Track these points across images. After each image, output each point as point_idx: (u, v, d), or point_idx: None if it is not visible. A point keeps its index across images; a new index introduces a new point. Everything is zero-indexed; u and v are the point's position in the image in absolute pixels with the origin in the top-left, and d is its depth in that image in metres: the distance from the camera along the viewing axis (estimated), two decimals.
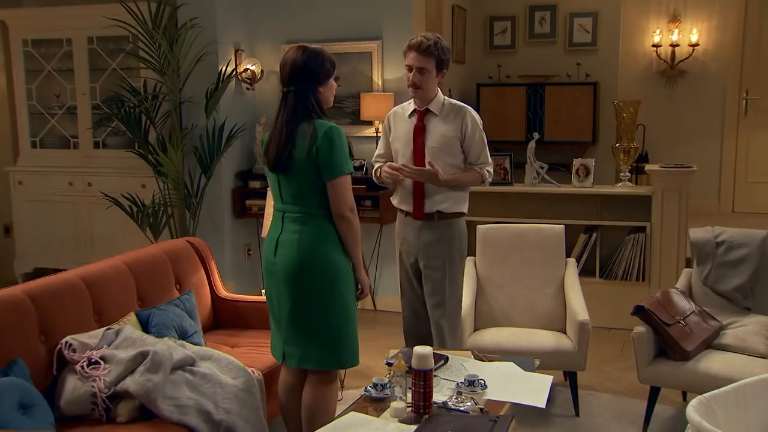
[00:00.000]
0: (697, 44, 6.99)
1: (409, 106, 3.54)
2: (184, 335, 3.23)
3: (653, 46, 7.13)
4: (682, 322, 3.45)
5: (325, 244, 2.77)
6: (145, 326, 3.15)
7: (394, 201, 3.63)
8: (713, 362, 3.35)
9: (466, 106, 3.49)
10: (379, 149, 3.69)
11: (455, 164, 3.46)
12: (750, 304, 3.67)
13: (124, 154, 5.48)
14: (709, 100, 7.06)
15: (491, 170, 3.57)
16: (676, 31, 7.03)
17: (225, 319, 3.87)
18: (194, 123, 5.29)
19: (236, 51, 5.54)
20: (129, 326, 3.01)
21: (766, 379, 2.35)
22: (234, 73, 5.42)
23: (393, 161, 3.55)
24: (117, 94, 5.30)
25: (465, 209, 3.60)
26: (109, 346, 2.83)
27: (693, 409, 2.10)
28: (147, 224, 5.18)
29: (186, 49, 5.05)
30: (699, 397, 2.22)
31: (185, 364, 2.82)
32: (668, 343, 3.42)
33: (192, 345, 3.09)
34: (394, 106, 5.22)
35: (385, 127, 3.63)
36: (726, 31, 6.96)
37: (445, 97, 3.49)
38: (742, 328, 3.50)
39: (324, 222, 2.78)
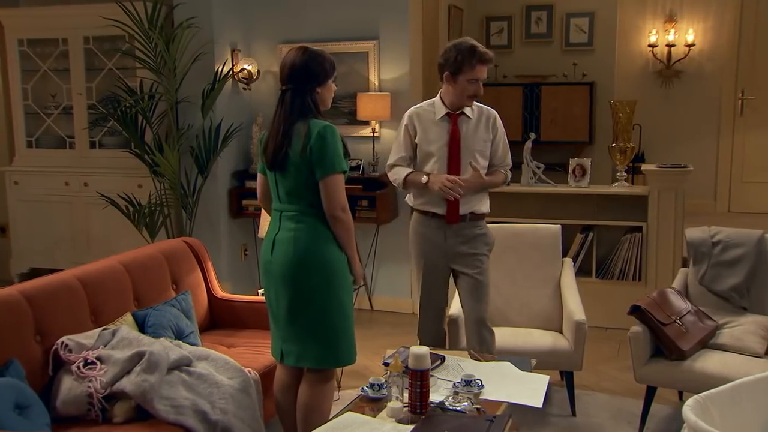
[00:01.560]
0: (693, 44, 7.00)
1: (435, 108, 3.46)
2: (180, 335, 3.22)
3: (649, 46, 7.14)
4: (679, 321, 3.46)
5: (320, 242, 2.78)
6: (142, 326, 3.15)
7: (417, 202, 3.51)
8: (709, 362, 3.36)
9: (488, 107, 3.54)
10: (400, 152, 3.52)
11: (485, 166, 3.49)
12: (746, 304, 3.67)
13: (120, 154, 5.47)
14: (705, 100, 7.08)
15: (510, 171, 3.63)
16: (672, 31, 7.04)
17: (222, 319, 3.87)
18: (190, 123, 5.28)
19: (233, 51, 5.53)
20: (125, 326, 3.00)
21: (762, 378, 2.36)
22: (230, 73, 5.42)
23: (415, 164, 3.48)
24: (113, 93, 5.29)
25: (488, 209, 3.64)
26: (105, 346, 2.83)
27: (689, 408, 2.11)
28: (143, 224, 5.17)
29: (182, 49, 5.04)
30: (695, 396, 2.22)
31: (182, 365, 2.82)
32: (664, 343, 3.43)
33: (188, 345, 3.09)
34: (390, 106, 5.30)
35: (408, 128, 3.48)
36: (722, 31, 6.97)
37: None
38: (739, 328, 3.50)
39: (319, 220, 2.78)
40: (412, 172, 3.47)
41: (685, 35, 7.01)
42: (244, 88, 5.66)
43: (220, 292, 3.93)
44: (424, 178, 3.39)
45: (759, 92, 6.87)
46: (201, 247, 3.95)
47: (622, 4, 7.18)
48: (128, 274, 3.34)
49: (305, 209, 2.78)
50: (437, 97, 3.52)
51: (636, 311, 3.49)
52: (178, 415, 2.62)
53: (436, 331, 3.63)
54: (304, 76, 2.78)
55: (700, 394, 2.23)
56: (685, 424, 2.08)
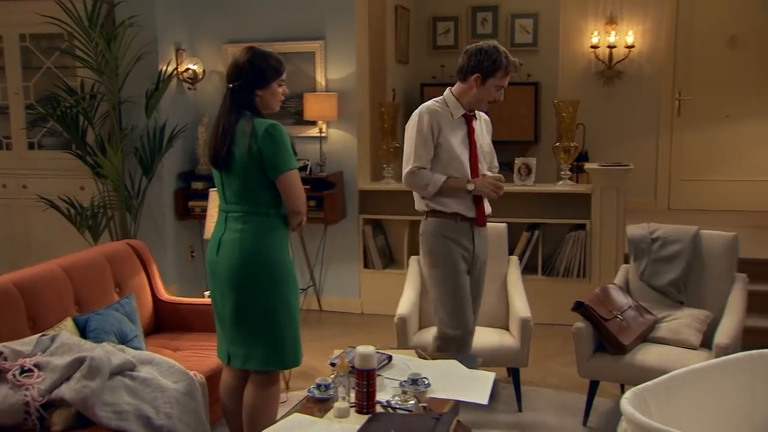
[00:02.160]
0: (632, 46, 7.18)
1: (451, 108, 3.34)
2: (123, 340, 3.17)
3: (591, 47, 7.29)
4: (620, 316, 3.55)
5: (267, 243, 2.76)
6: (83, 331, 3.08)
7: (443, 206, 3.35)
8: (649, 355, 3.46)
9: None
10: (423, 154, 3.30)
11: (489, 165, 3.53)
12: (683, 298, 3.79)
13: (60, 155, 5.33)
14: (645, 100, 7.26)
15: None
16: (613, 32, 7.20)
17: (167, 322, 3.82)
18: (134, 123, 5.19)
19: (177, 50, 5.45)
20: (65, 332, 2.93)
21: (695, 369, 2.44)
22: (175, 72, 5.34)
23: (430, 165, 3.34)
24: (52, 93, 5.16)
25: None
26: (43, 353, 2.76)
27: (627, 401, 2.17)
28: (86, 227, 5.06)
29: (124, 48, 4.94)
30: (633, 389, 2.29)
31: (125, 369, 2.76)
32: (606, 338, 3.51)
33: (132, 349, 3.03)
34: (337, 106, 5.30)
35: (432, 128, 3.29)
36: (659, 33, 7.17)
37: None
38: (676, 321, 3.61)
39: (267, 221, 2.77)
40: (449, 177, 3.31)
41: (625, 37, 7.18)
42: (189, 88, 5.58)
43: (165, 295, 3.87)
44: (471, 186, 3.32)
45: (695, 93, 7.09)
46: (145, 250, 3.89)
47: (564, 5, 7.32)
48: (68, 278, 3.27)
49: (252, 210, 2.76)
50: (448, 97, 3.37)
51: (579, 307, 3.56)
52: (120, 421, 2.57)
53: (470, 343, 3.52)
54: (245, 75, 2.76)
55: (638, 387, 2.30)
56: (623, 416, 2.14)
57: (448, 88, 3.44)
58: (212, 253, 2.83)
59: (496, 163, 3.63)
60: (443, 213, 3.37)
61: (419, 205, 3.46)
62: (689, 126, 7.17)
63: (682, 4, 7.05)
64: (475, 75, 3.29)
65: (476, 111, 3.45)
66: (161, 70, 5.19)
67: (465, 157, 3.35)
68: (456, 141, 3.34)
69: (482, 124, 3.51)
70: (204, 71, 5.56)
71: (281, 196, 2.76)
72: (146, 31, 5.09)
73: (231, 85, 2.79)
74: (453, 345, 3.39)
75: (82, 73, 5.14)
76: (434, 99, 3.42)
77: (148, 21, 5.13)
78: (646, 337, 3.60)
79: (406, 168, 3.34)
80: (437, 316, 3.46)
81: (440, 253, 3.38)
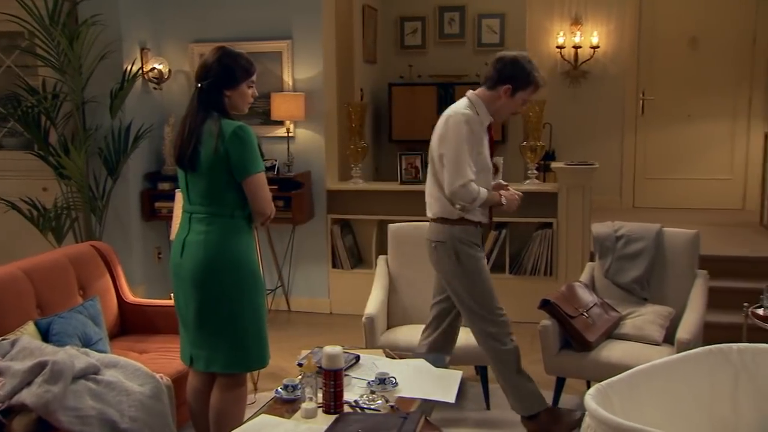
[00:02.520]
0: (597, 46, 7.27)
1: (482, 116, 3.30)
2: (88, 343, 3.12)
3: (557, 47, 7.36)
4: (585, 314, 3.60)
5: (232, 245, 2.74)
6: (45, 335, 3.03)
7: (477, 215, 3.35)
8: (613, 351, 3.51)
9: None
10: (471, 165, 3.22)
11: None
12: (647, 295, 3.85)
13: (22, 156, 5.22)
14: (610, 100, 7.36)
15: None
16: (578, 33, 7.29)
17: (133, 324, 3.78)
18: (99, 124, 5.11)
19: (142, 50, 5.39)
20: (26, 336, 2.88)
21: (657, 364, 2.48)
22: (140, 72, 5.28)
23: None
24: (13, 92, 5.06)
25: None
26: (3, 357, 2.71)
27: (590, 397, 2.19)
28: (49, 229, 4.97)
29: (88, 47, 4.87)
30: (596, 385, 2.32)
31: (88, 373, 2.72)
32: (572, 335, 3.56)
33: (96, 353, 2.99)
34: (305, 105, 5.28)
35: (474, 137, 3.23)
36: (623, 34, 7.28)
37: None
38: (640, 318, 3.67)
39: (232, 222, 2.75)
40: (487, 191, 3.32)
41: (590, 37, 7.27)
42: (155, 88, 5.52)
43: (130, 297, 3.83)
44: (504, 200, 3.41)
45: (658, 93, 7.21)
46: (110, 251, 3.84)
47: (530, 6, 7.38)
48: (30, 281, 3.21)
49: (217, 211, 2.74)
50: (479, 103, 3.30)
51: (545, 305, 3.60)
52: (83, 425, 2.53)
53: None
54: (215, 75, 2.74)
55: (602, 383, 2.33)
56: (587, 412, 2.16)
57: (470, 92, 3.36)
58: (176, 254, 2.80)
59: None
60: (470, 221, 3.35)
61: (445, 212, 3.34)
62: (653, 125, 7.29)
63: (645, 5, 7.17)
64: (506, 86, 3.26)
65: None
66: (126, 69, 5.12)
67: (491, 166, 3.37)
68: (486, 151, 3.33)
69: None
70: (170, 71, 5.50)
71: (247, 198, 2.75)
72: (110, 30, 5.02)
73: (199, 85, 2.76)
74: (509, 338, 3.41)
75: (43, 72, 5.05)
76: (465, 104, 3.30)
77: (112, 20, 5.06)
78: (611, 333, 3.65)
79: (459, 181, 3.19)
80: (474, 323, 3.40)
81: (475, 257, 3.38)
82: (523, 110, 3.41)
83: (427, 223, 4.24)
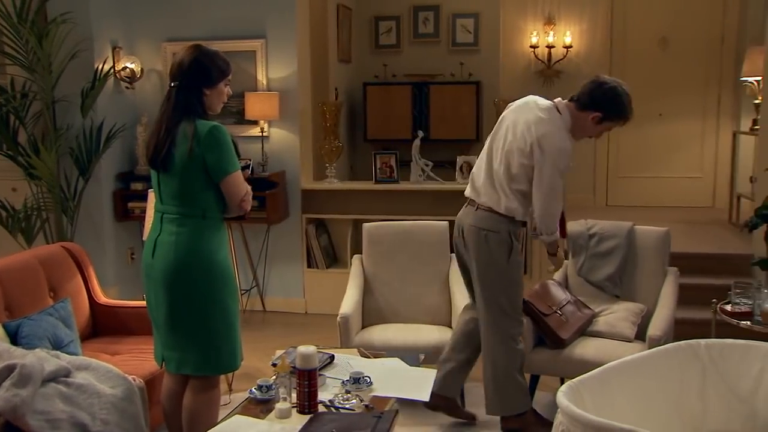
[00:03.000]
0: (570, 46, 7.33)
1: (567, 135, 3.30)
2: (58, 345, 3.08)
3: (531, 47, 7.41)
4: (559, 312, 3.63)
5: (203, 246, 2.72)
6: (14, 338, 2.98)
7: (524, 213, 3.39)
8: (586, 348, 3.55)
9: None
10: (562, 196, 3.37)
11: None
12: (619, 292, 3.89)
13: None
14: None
15: None
16: (552, 33, 7.34)
17: (105, 326, 3.75)
18: (70, 123, 5.05)
19: (114, 48, 5.33)
20: None
21: (627, 361, 2.52)
22: (111, 71, 5.22)
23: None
24: None
25: None
26: None
27: (562, 394, 2.22)
28: (18, 230, 4.90)
29: (57, 46, 4.80)
30: (568, 382, 2.35)
31: (59, 376, 2.69)
32: (546, 333, 3.59)
33: (67, 355, 2.95)
34: (279, 105, 5.27)
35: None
36: (595, 34, 7.35)
37: None
38: (612, 315, 3.72)
39: (203, 223, 2.73)
40: None
41: (564, 37, 7.33)
42: (127, 87, 5.47)
43: (102, 298, 3.80)
44: (557, 253, 3.57)
45: (630, 92, 7.28)
46: (81, 252, 3.80)
47: (504, 5, 7.43)
48: None
49: (188, 212, 2.72)
50: (567, 120, 3.28)
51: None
52: (53, 429, 2.49)
53: None
54: (191, 74, 2.71)
55: (573, 380, 2.36)
56: (559, 409, 2.19)
57: (563, 104, 3.30)
58: (148, 255, 2.78)
59: None
60: (519, 220, 3.35)
61: (508, 209, 3.29)
62: (625, 125, 7.35)
63: (616, 6, 7.25)
64: (597, 113, 3.22)
65: None
66: (97, 68, 5.06)
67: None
68: None
69: None
70: (142, 70, 5.45)
71: (225, 197, 2.73)
72: (80, 28, 4.96)
73: (174, 84, 2.73)
74: (521, 338, 3.42)
75: (12, 71, 4.97)
76: (557, 116, 3.25)
77: (83, 18, 5.00)
78: (585, 331, 3.69)
79: (560, 204, 3.28)
80: (499, 323, 3.35)
81: (518, 255, 3.38)
82: (598, 137, 3.38)
83: (399, 222, 4.27)
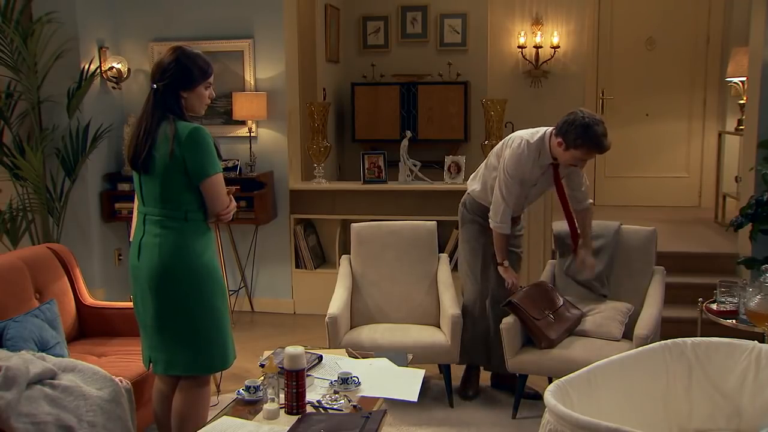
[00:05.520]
0: (558, 46, 7.36)
1: (542, 156, 3.59)
2: (44, 347, 3.06)
3: (519, 47, 7.44)
4: (551, 316, 3.63)
5: (188, 248, 2.70)
6: None
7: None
8: (574, 348, 3.56)
9: None
10: (515, 199, 3.71)
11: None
12: (606, 291, 3.91)
13: None
14: (571, 100, 7.43)
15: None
16: (539, 33, 7.37)
17: (92, 327, 3.72)
18: (56, 123, 5.02)
19: (100, 48, 5.30)
20: None
21: (614, 360, 2.53)
22: (98, 71, 5.19)
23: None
24: None
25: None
26: None
27: (550, 393, 2.23)
28: (3, 231, 4.86)
29: (43, 45, 4.78)
30: (556, 381, 2.36)
31: (44, 378, 2.67)
32: (535, 334, 3.60)
33: (53, 357, 2.94)
34: (267, 105, 5.25)
35: (524, 176, 3.64)
36: (582, 34, 7.38)
37: None
38: (600, 314, 3.73)
39: (186, 225, 2.71)
40: None
41: (551, 37, 7.36)
42: (114, 88, 5.44)
43: (89, 300, 3.77)
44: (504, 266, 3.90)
45: (617, 93, 7.33)
46: (67, 253, 3.77)
47: (492, 6, 7.45)
48: None
49: (170, 214, 2.70)
50: (546, 141, 3.58)
51: (509, 306, 3.64)
52: None
53: None
54: (171, 75, 2.70)
55: (561, 379, 2.36)
56: (546, 408, 2.20)
57: (548, 130, 3.60)
58: (134, 257, 2.76)
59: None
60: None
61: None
62: (612, 124, 7.25)
63: (603, 7, 7.29)
64: (558, 139, 3.45)
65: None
66: (83, 68, 5.04)
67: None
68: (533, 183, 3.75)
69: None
70: (129, 70, 5.42)
71: (205, 199, 2.72)
72: (66, 28, 4.94)
73: (155, 86, 2.72)
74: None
75: None
76: (538, 137, 3.62)
77: (68, 17, 4.97)
78: (573, 330, 3.70)
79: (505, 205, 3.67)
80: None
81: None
82: (582, 166, 3.55)
83: (388, 222, 4.29)
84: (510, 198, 3.63)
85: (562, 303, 3.74)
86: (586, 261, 3.77)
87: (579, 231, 3.79)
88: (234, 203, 2.82)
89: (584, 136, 3.37)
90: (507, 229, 3.71)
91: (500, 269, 3.79)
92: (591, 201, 3.89)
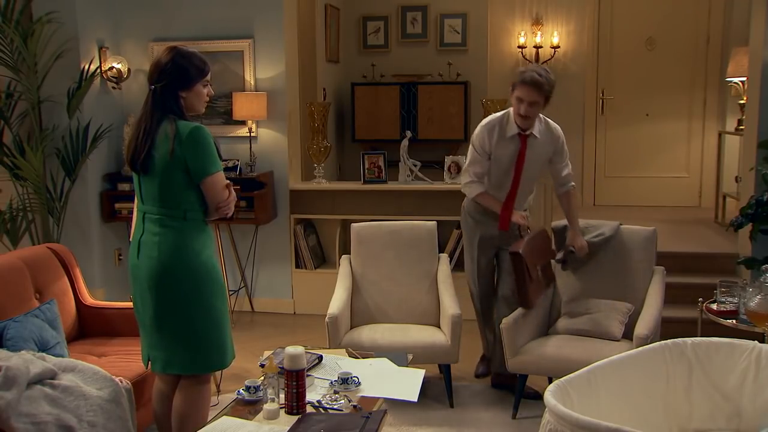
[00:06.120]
0: (558, 46, 7.36)
1: (507, 125, 3.75)
2: (44, 347, 3.06)
3: (518, 47, 7.43)
4: (540, 272, 3.70)
5: (187, 248, 2.71)
6: None
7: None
8: (574, 348, 3.56)
9: (557, 126, 3.90)
10: (476, 168, 3.83)
11: (538, 175, 3.97)
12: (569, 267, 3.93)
13: None
14: (571, 100, 7.45)
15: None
16: (539, 33, 7.37)
17: (92, 327, 3.72)
18: (56, 123, 5.02)
19: (100, 48, 5.30)
20: None
21: (614, 360, 2.53)
22: (98, 71, 5.19)
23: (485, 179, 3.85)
24: None
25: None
26: None
27: (550, 393, 2.23)
28: (4, 231, 4.86)
29: (43, 45, 4.77)
30: (556, 381, 2.36)
31: (44, 378, 2.67)
32: (521, 292, 3.65)
33: (53, 357, 2.94)
34: (267, 105, 5.26)
35: (484, 145, 3.78)
36: (582, 34, 7.38)
37: (542, 119, 3.82)
38: (599, 314, 3.73)
39: (185, 224, 2.71)
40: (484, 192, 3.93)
41: (551, 37, 7.35)
42: (114, 88, 5.44)
43: (89, 300, 3.77)
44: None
45: (617, 93, 7.33)
46: (67, 253, 3.77)
47: (492, 6, 7.45)
48: None
49: (170, 213, 2.70)
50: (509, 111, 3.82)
51: (515, 256, 3.61)
52: None
53: None
54: (168, 76, 2.70)
55: (561, 379, 2.37)
56: (546, 408, 2.20)
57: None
58: (133, 256, 2.77)
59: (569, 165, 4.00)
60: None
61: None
62: (612, 124, 7.41)
63: (603, 6, 7.28)
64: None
65: (538, 129, 3.80)
66: (83, 68, 5.03)
67: (509, 169, 3.83)
68: (502, 157, 3.83)
69: (545, 141, 3.85)
70: (129, 70, 5.42)
71: (206, 198, 2.72)
72: (66, 28, 4.93)
73: (153, 87, 2.72)
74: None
75: None
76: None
77: (69, 17, 4.97)
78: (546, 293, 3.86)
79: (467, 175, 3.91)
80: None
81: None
82: (520, 111, 3.66)
83: (388, 222, 4.30)
84: (472, 166, 3.83)
85: (550, 258, 3.85)
86: (576, 242, 3.81)
87: (566, 216, 3.94)
88: (234, 194, 2.80)
89: (516, 76, 3.67)
90: (471, 193, 3.88)
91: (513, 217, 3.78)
92: (573, 184, 3.97)
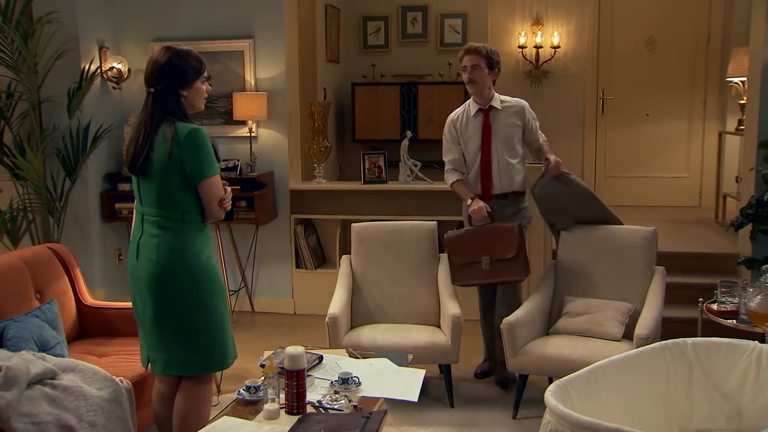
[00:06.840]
0: (558, 46, 7.35)
1: (470, 108, 4.03)
2: (45, 347, 3.06)
3: (519, 47, 7.42)
4: (485, 264, 3.85)
5: (185, 249, 2.70)
6: (0, 340, 2.96)
7: None
8: (574, 348, 3.56)
9: (520, 99, 4.08)
10: (449, 155, 4.08)
11: (517, 151, 4.04)
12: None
13: None
14: (571, 100, 7.45)
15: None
16: (540, 33, 7.36)
17: (92, 327, 3.72)
18: (56, 123, 5.02)
19: (100, 48, 5.30)
20: None
21: (614, 360, 2.53)
22: (98, 71, 5.19)
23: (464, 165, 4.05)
24: None
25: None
26: None
27: (550, 393, 2.23)
28: (4, 231, 4.86)
29: (43, 45, 4.78)
30: (556, 381, 2.36)
31: (45, 378, 2.67)
32: (453, 268, 3.92)
33: (54, 357, 2.94)
34: (267, 105, 5.25)
35: (452, 135, 4.06)
36: (583, 35, 7.37)
37: (500, 96, 4.02)
38: (599, 314, 3.73)
39: (183, 226, 2.71)
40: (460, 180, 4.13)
41: (551, 38, 7.34)
42: (114, 88, 5.44)
43: (89, 300, 3.77)
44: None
45: (617, 93, 7.33)
46: (68, 253, 3.78)
47: (492, 6, 7.44)
48: None
49: (168, 214, 2.70)
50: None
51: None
52: None
53: None
54: (167, 77, 2.70)
55: (561, 379, 2.37)
56: (547, 408, 2.20)
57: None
58: (132, 257, 2.77)
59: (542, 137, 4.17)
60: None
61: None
62: (613, 124, 7.40)
63: (603, 6, 7.28)
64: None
65: (498, 102, 4.01)
66: (84, 68, 5.04)
67: (477, 146, 4.02)
68: (470, 137, 4.06)
69: (510, 114, 4.02)
70: (129, 70, 5.43)
71: (202, 200, 2.72)
72: (67, 28, 4.94)
73: (152, 90, 2.71)
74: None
75: None
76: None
77: (69, 17, 4.97)
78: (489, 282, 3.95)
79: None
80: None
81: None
82: (467, 77, 3.96)
83: (388, 222, 4.30)
84: (446, 156, 4.09)
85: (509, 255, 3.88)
86: (551, 159, 4.01)
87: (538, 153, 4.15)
88: (229, 191, 2.80)
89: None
90: (448, 181, 4.11)
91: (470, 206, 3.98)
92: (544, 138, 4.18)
